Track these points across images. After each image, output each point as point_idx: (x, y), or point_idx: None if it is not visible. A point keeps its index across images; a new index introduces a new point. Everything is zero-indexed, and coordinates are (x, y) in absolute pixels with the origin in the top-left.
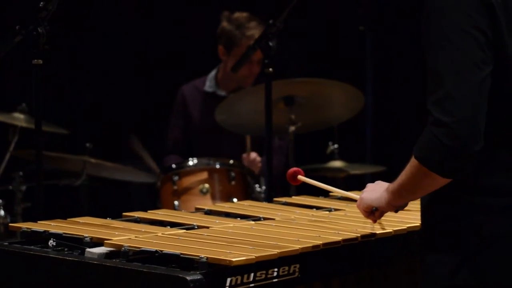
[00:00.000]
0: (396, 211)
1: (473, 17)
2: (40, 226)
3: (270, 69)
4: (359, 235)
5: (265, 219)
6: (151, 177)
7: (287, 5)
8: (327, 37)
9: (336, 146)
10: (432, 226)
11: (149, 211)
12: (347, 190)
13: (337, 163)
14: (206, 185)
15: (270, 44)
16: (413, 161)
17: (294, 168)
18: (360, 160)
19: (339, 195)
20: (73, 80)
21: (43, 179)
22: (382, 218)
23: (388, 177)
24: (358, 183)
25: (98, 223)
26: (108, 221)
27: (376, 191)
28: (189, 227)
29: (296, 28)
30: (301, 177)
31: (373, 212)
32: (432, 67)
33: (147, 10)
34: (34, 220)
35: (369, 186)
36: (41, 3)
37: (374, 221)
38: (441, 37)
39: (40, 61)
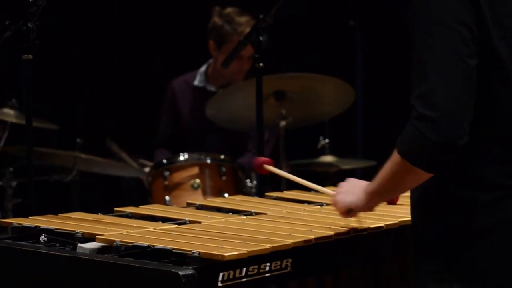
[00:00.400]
0: (372, 210)
1: (457, 12)
2: (31, 221)
3: (261, 64)
4: (351, 229)
5: (256, 214)
6: (141, 173)
7: None
8: (317, 32)
9: (327, 141)
10: (422, 222)
11: (140, 206)
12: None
13: (328, 158)
14: (197, 180)
15: (261, 38)
16: (395, 157)
17: (263, 158)
18: (351, 155)
19: (309, 187)
20: (63, 75)
21: (34, 175)
22: (374, 212)
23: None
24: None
25: (89, 219)
26: (99, 216)
27: (352, 193)
28: (181, 222)
29: (286, 22)
30: (267, 167)
31: (349, 212)
32: (416, 61)
33: (137, 4)
34: (25, 215)
35: (343, 186)
36: None
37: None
38: (425, 32)
39: (31, 56)
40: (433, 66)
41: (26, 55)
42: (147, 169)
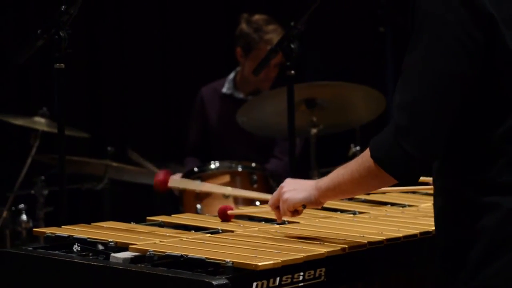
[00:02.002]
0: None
1: (459, 17)
2: (64, 231)
3: (292, 72)
4: (384, 238)
5: (289, 222)
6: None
7: (308, 7)
8: (347, 39)
9: (358, 148)
10: (446, 229)
11: (173, 215)
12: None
13: None
14: (229, 188)
15: (292, 46)
16: (365, 160)
17: (222, 206)
18: None
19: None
20: (92, 84)
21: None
22: (407, 220)
23: None
24: None
25: (122, 228)
26: (132, 225)
27: (301, 190)
28: (214, 231)
29: (316, 30)
30: (231, 212)
31: (298, 210)
32: (405, 67)
33: (167, 13)
34: (57, 224)
35: (287, 186)
36: (63, 6)
37: (280, 219)
38: (420, 40)
39: (63, 65)
40: (422, 76)
41: (58, 64)
42: (176, 176)
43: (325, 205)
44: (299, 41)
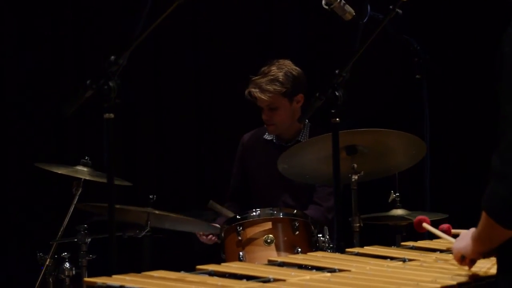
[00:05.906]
0: (484, 257)
1: None
2: (115, 280)
3: (337, 119)
4: (439, 286)
5: (340, 270)
6: (213, 229)
7: (352, 54)
8: (384, 87)
9: (398, 194)
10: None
11: (222, 263)
12: (410, 238)
13: (399, 211)
14: (271, 236)
15: (337, 94)
16: (483, 211)
17: (420, 217)
18: (421, 207)
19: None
20: (134, 132)
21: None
22: (459, 267)
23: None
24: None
25: (173, 277)
26: (182, 274)
27: (464, 239)
28: (265, 280)
29: (353, 76)
30: (426, 225)
31: (464, 259)
32: (500, 118)
33: (203, 60)
34: (100, 272)
35: (462, 233)
36: (112, 57)
37: (469, 268)
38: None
39: (112, 115)
40: None
41: (107, 114)
42: (216, 224)
43: (374, 252)
44: (344, 88)
